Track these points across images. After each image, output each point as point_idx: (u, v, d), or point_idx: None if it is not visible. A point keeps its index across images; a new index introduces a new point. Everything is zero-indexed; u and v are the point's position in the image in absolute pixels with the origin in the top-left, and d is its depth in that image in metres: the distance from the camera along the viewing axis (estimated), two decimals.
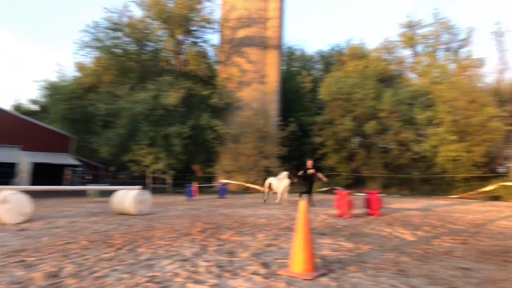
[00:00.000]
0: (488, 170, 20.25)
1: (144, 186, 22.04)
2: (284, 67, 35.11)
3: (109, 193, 12.49)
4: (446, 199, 18.44)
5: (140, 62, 29.00)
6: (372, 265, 4.74)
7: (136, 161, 24.73)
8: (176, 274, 4.29)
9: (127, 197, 10.33)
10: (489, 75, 28.49)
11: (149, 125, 24.19)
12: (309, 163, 13.05)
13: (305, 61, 35.93)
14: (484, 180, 19.66)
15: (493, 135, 19.88)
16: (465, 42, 30.51)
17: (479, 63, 26.62)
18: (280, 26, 28.96)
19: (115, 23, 27.46)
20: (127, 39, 28.34)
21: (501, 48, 27.93)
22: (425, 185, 22.15)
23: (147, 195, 10.64)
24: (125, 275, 4.23)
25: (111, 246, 5.81)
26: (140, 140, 24.18)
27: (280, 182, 13.27)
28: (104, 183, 27.03)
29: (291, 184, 13.34)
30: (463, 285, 4.01)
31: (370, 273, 4.39)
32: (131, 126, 24.51)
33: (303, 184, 13.62)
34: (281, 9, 29.20)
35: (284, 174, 13.32)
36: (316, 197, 18.95)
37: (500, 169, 21.94)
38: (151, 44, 29.69)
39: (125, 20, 27.86)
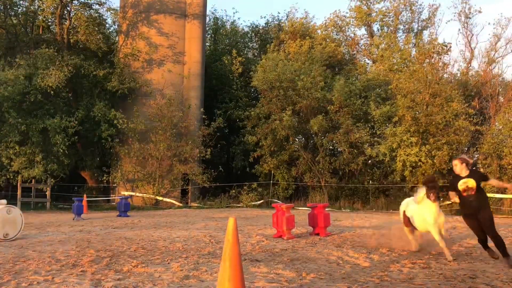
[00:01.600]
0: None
1: (12, 200, 20.73)
2: (209, 44, 35.10)
3: None
4: None
5: (7, 28, 27.22)
6: None
7: None
8: None
9: None
10: (454, 64, 30.98)
11: (20, 116, 22.82)
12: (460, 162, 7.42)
13: (237, 37, 36.23)
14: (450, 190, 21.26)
15: (459, 136, 21.62)
16: (428, 22, 32.88)
17: (444, 48, 28.82)
18: None
19: None
20: None
21: (467, 32, 30.52)
22: (381, 196, 23.42)
23: (15, 212, 10.01)
24: None
25: None
26: (6, 136, 22.73)
27: (426, 207, 8.14)
28: None
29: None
30: None
31: None
32: None
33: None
34: None
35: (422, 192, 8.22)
36: (249, 212, 19.21)
37: None
38: (23, 4, 28.04)
39: None
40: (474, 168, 7.53)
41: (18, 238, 9.91)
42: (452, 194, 7.67)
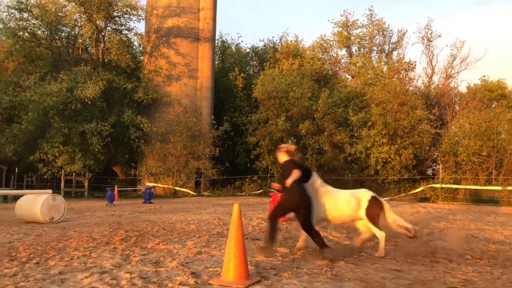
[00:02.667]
0: (417, 173, 21.98)
1: (57, 190, 20.69)
2: (218, 62, 35.05)
3: (14, 198, 11.56)
4: None
5: (52, 49, 27.16)
6: (307, 271, 4.90)
7: (46, 161, 23.12)
8: None
9: (36, 202, 9.61)
10: (418, 79, 30.96)
11: (63, 121, 22.75)
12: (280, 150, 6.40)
13: (240, 57, 36.18)
14: (414, 182, 21.31)
15: (421, 138, 21.63)
16: (397, 45, 32.85)
17: (410, 66, 28.83)
18: (213, 17, 28.82)
19: (20, 2, 25.39)
20: (36, 21, 26.36)
21: (429, 52, 30.52)
22: (358, 187, 23.42)
23: (59, 200, 9.99)
24: None
25: (14, 260, 5.37)
26: (51, 137, 22.65)
27: None
28: (6, 186, 24.87)
29: None
30: (394, 286, 4.30)
31: (305, 278, 4.53)
32: (41, 121, 22.85)
33: None
34: (213, 0, 29.09)
35: None
36: (250, 200, 19.18)
37: (428, 172, 23.97)
38: (66, 29, 27.97)
39: None
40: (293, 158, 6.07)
41: (61, 221, 9.88)
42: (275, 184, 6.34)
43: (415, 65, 28.65)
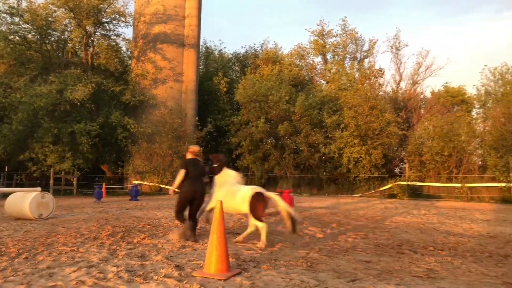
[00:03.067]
0: (385, 171, 22.34)
1: (46, 188, 20.18)
2: (202, 67, 34.83)
3: (3, 196, 11.21)
4: (350, 197, 19.90)
5: (42, 53, 26.46)
6: (284, 262, 4.92)
7: (35, 160, 22.52)
8: (81, 282, 3.99)
9: (25, 199, 9.34)
10: (387, 84, 31.45)
11: (52, 121, 22.21)
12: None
13: (223, 62, 36.04)
14: (383, 180, 21.65)
15: (390, 139, 21.98)
16: (368, 53, 33.31)
17: (379, 73, 29.29)
18: (197, 25, 28.64)
19: (11, 7, 24.66)
20: (26, 26, 25.64)
21: (397, 60, 31.06)
22: (332, 184, 23.66)
23: (48, 197, 9.74)
24: (20, 287, 3.82)
25: (4, 255, 5.20)
26: (41, 137, 22.08)
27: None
28: None
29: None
30: (364, 276, 4.35)
31: (282, 270, 4.55)
32: (30, 122, 22.24)
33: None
34: (198, 8, 28.89)
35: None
36: None
37: (396, 170, 24.38)
38: (56, 33, 27.29)
39: (24, 4, 25.20)
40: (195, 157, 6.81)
41: (50, 218, 9.65)
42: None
43: (384, 72, 29.18)
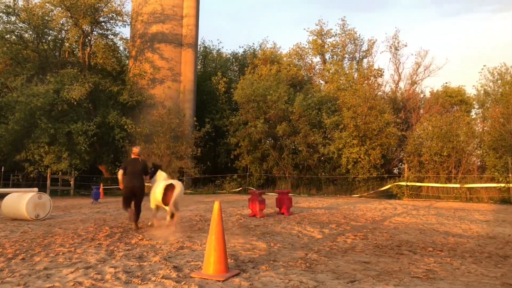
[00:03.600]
0: (384, 171, 22.37)
1: (43, 188, 20.14)
2: (200, 67, 34.82)
3: (0, 196, 11.19)
4: (349, 198, 19.91)
5: (39, 52, 26.42)
6: (283, 263, 4.93)
7: (31, 160, 22.46)
8: (79, 283, 3.99)
9: (21, 200, 9.32)
10: (386, 85, 31.50)
11: (49, 122, 22.15)
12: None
13: (221, 62, 36.05)
14: (382, 180, 21.67)
15: (389, 139, 22.01)
16: (367, 53, 33.36)
17: (378, 73, 29.34)
18: (195, 24, 28.65)
19: (8, 6, 24.62)
20: (23, 25, 25.60)
21: (396, 60, 31.12)
22: (331, 184, 23.67)
23: (45, 198, 9.72)
24: None
25: (0, 256, 5.20)
26: (38, 137, 22.03)
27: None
28: None
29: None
30: (363, 277, 4.36)
31: (281, 271, 4.55)
32: (27, 122, 22.19)
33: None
34: (196, 8, 28.89)
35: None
36: (230, 197, 19.13)
37: (395, 171, 24.42)
38: (52, 32, 27.24)
39: (20, 3, 25.16)
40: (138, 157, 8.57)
41: (47, 218, 9.64)
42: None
43: (383, 72, 29.20)
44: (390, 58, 31.32)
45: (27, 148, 22.33)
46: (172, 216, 7.80)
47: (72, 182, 23.17)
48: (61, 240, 6.50)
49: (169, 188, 7.73)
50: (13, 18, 25.22)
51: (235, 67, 37.16)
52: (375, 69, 29.44)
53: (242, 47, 54.26)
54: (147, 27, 27.20)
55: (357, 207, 13.76)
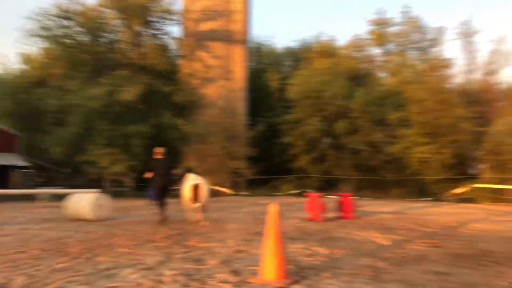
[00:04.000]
0: (459, 172, 21.19)
1: (103, 189, 21.41)
2: (252, 64, 35.17)
3: (63, 197, 12.07)
4: (419, 201, 19.11)
5: (94, 55, 28.16)
6: (346, 271, 4.83)
7: (91, 162, 23.99)
8: (139, 284, 4.19)
9: (83, 201, 10.00)
10: (457, 76, 29.78)
11: (106, 123, 23.52)
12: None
13: (274, 57, 36.17)
14: (456, 182, 20.56)
15: (462, 136, 20.83)
16: (434, 42, 31.77)
17: (448, 63, 27.83)
18: (246, 20, 28.99)
19: (65, 11, 26.49)
20: (79, 28, 27.44)
21: (469, 48, 29.32)
22: (398, 187, 22.87)
23: (105, 199, 10.35)
24: (82, 287, 4.09)
25: (66, 255, 5.60)
26: (96, 139, 23.48)
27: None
28: (57, 186, 26.04)
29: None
30: None
31: (344, 279, 4.47)
32: (85, 124, 23.74)
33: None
34: (246, 2, 29.23)
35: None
36: (287, 199, 19.11)
37: (471, 171, 23.03)
38: (106, 35, 28.92)
39: (76, 7, 26.99)
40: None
41: (107, 219, 10.22)
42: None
43: (454, 62, 27.67)
44: (462, 47, 29.46)
45: (86, 150, 23.88)
46: (200, 212, 9.27)
47: (129, 184, 24.29)
48: (122, 241, 6.87)
49: (195, 188, 9.20)
50: (69, 23, 27.08)
51: (289, 62, 37.10)
52: (444, 59, 27.96)
53: (296, 41, 53.99)
54: (198, 25, 27.97)
55: (428, 211, 13.18)
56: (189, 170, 9.94)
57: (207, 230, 8.33)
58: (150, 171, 9.49)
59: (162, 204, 9.46)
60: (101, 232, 8.03)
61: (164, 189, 9.56)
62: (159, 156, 9.64)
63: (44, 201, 18.67)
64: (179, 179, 9.78)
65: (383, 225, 9.30)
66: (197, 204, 9.13)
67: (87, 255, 5.61)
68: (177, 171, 10.12)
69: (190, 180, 9.46)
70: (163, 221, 9.29)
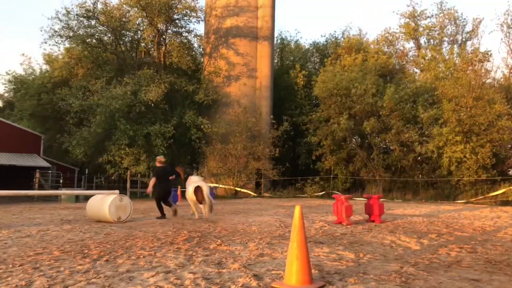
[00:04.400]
0: (497, 173, 20.56)
1: (123, 190, 21.88)
2: (277, 61, 35.17)
3: (84, 198, 12.41)
4: (452, 204, 18.68)
5: (117, 54, 28.80)
6: (374, 277, 4.77)
7: (113, 162, 24.54)
8: (159, 287, 4.26)
9: (104, 202, 10.25)
10: (496, 70, 28.88)
11: (128, 123, 24.03)
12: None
13: (299, 54, 36.07)
14: (493, 183, 19.95)
15: (502, 134, 20.20)
16: (471, 34, 30.94)
17: (486, 57, 26.99)
18: (271, 15, 29.01)
19: (88, 10, 27.23)
20: (102, 28, 28.13)
21: (510, 40, 28.38)
22: (430, 189, 22.42)
23: (126, 200, 10.57)
24: None
25: (86, 257, 5.76)
26: (118, 140, 24.01)
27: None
28: (78, 187, 26.77)
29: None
30: None
31: (372, 285, 4.42)
32: (108, 124, 24.32)
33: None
34: None
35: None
36: (312, 201, 19.02)
37: (511, 172, 22.30)
38: (129, 34, 29.53)
39: (99, 7, 27.71)
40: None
41: (128, 221, 10.44)
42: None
43: (491, 55, 26.83)
44: (502, 39, 28.65)
45: (108, 150, 24.45)
46: (209, 210, 10.95)
47: (150, 184, 24.71)
48: (142, 243, 7.01)
49: (197, 190, 10.68)
50: (93, 22, 27.82)
51: (315, 59, 36.93)
52: (481, 52, 27.16)
53: (324, 36, 53.76)
54: (221, 22, 28.15)
55: (463, 214, 12.86)
56: (189, 174, 11.81)
57: (228, 232, 8.39)
58: (156, 179, 11.11)
59: (166, 204, 11.40)
60: (122, 233, 8.20)
61: (165, 195, 11.40)
62: (159, 164, 11.27)
63: (66, 202, 19.22)
64: (183, 181, 11.33)
65: (413, 228, 9.13)
66: (202, 205, 10.79)
67: (107, 257, 5.75)
68: (173, 177, 11.61)
69: (193, 183, 11.00)
70: (175, 212, 11.37)
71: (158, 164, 11.33)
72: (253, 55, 28.12)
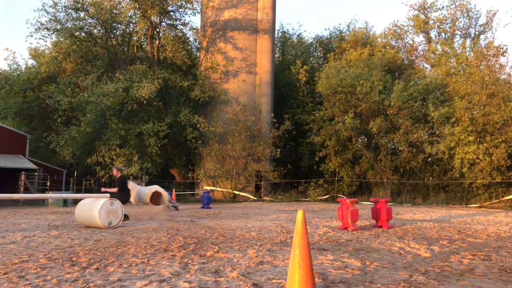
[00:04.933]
0: None
1: (114, 193, 21.85)
2: (278, 55, 35.19)
3: (73, 202, 12.42)
4: (465, 208, 18.71)
5: (108, 48, 28.79)
6: (382, 286, 4.78)
7: (103, 164, 24.55)
8: None
9: (94, 207, 10.23)
10: None
11: (120, 122, 24.01)
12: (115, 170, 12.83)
13: (302, 48, 36.10)
14: (509, 186, 19.98)
15: None
16: (485, 27, 30.98)
17: (501, 51, 27.01)
18: (272, 7, 29.01)
19: (77, 1, 27.22)
20: (91, 20, 28.12)
21: None
22: (441, 192, 22.44)
23: (117, 204, 10.56)
24: None
25: (75, 265, 5.75)
26: (108, 139, 24.00)
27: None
28: (66, 190, 26.76)
29: None
30: None
31: None
32: (98, 123, 24.31)
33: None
34: None
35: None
36: (316, 206, 19.03)
37: None
38: (121, 27, 29.52)
39: None
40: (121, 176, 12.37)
41: (119, 226, 10.44)
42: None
43: (507, 49, 26.85)
44: None
45: (98, 150, 24.44)
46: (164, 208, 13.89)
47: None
48: (134, 250, 7.01)
49: (156, 195, 13.86)
50: (82, 14, 27.79)
51: (318, 53, 36.99)
52: (496, 46, 27.18)
53: (328, 29, 53.70)
54: (219, 14, 28.15)
55: (476, 219, 12.88)
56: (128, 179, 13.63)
57: (226, 239, 8.39)
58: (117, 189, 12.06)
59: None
60: (113, 240, 8.20)
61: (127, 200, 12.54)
62: (118, 173, 12.35)
63: (53, 206, 19.23)
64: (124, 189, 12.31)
65: (423, 234, 9.14)
66: (158, 207, 13.78)
67: (97, 265, 5.75)
68: (114, 188, 12.13)
69: (135, 187, 13.90)
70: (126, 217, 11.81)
71: (118, 173, 12.38)
72: (252, 50, 28.12)
